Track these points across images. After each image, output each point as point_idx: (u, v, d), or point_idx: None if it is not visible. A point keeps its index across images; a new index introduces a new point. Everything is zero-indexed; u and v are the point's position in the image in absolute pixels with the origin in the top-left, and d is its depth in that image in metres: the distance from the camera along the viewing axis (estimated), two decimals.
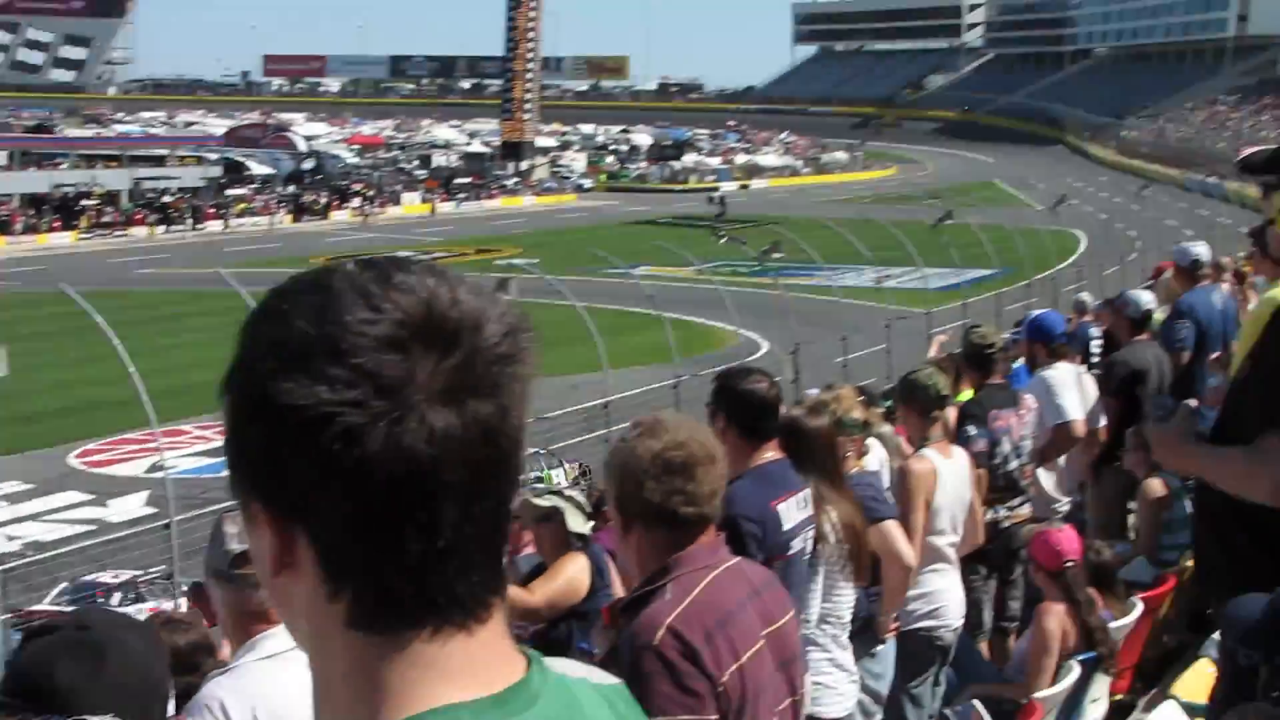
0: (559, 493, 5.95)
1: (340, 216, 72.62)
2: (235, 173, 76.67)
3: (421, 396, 0.99)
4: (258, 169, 78.73)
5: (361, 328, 0.99)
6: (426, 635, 1.02)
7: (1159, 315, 9.40)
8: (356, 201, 75.01)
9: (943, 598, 6.11)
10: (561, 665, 1.15)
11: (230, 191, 72.13)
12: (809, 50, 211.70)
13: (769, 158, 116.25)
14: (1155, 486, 7.39)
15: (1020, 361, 9.13)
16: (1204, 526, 3.64)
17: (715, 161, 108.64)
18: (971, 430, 6.87)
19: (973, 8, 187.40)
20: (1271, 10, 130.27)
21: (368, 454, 0.98)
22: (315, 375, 0.98)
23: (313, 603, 1.04)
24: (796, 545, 4.32)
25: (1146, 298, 9.14)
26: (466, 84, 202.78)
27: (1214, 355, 8.10)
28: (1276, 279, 4.39)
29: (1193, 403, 4.38)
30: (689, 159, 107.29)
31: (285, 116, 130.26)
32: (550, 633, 5.44)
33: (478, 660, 1.04)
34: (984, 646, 7.01)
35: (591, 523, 5.80)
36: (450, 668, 1.03)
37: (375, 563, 1.01)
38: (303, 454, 0.99)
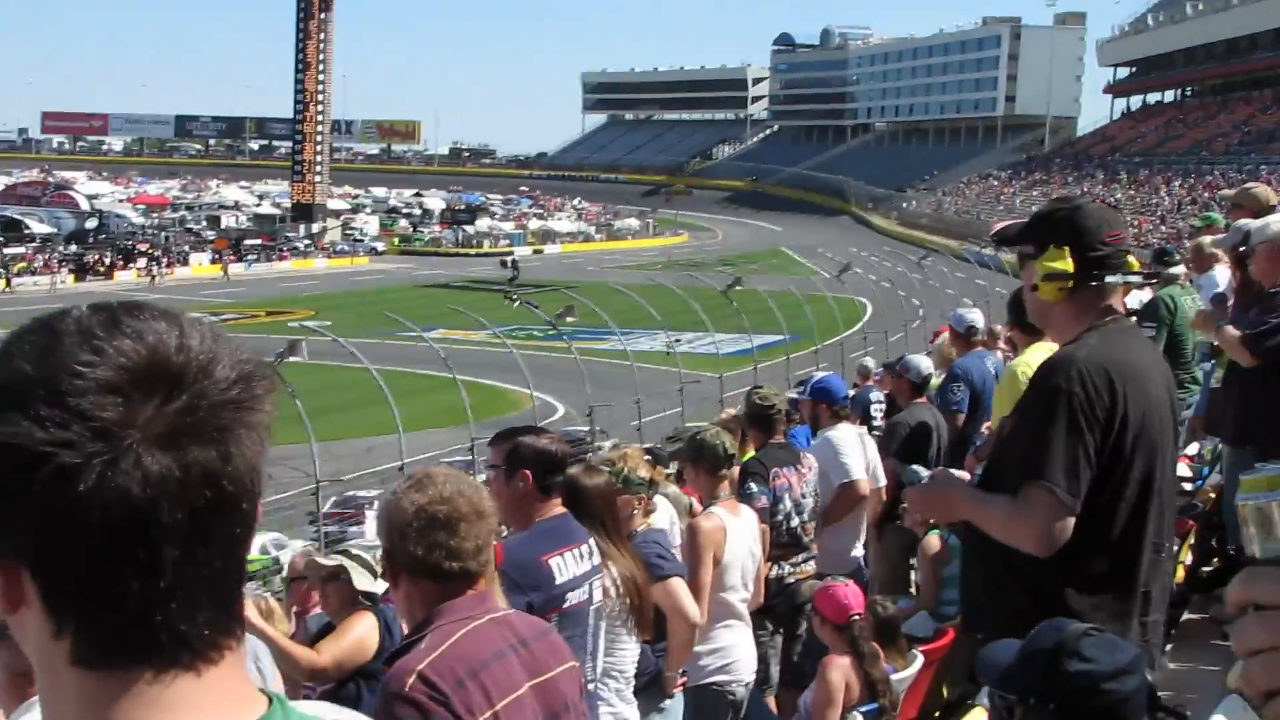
0: (345, 552, 5.91)
1: (126, 277, 70.58)
2: (14, 231, 74.00)
3: (138, 439, 1.00)
4: (38, 227, 76.12)
5: (82, 370, 1.01)
6: (151, 675, 1.03)
7: (937, 380, 9.74)
8: (142, 262, 73.08)
9: (734, 653, 6.22)
10: (314, 709, 1.16)
11: (9, 250, 69.56)
12: (599, 118, 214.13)
13: (562, 223, 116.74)
14: (933, 543, 7.64)
15: (799, 424, 9.36)
16: (972, 571, 3.80)
17: (509, 226, 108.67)
18: (753, 487, 6.99)
19: (756, 81, 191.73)
20: (1035, 93, 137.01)
21: (81, 495, 0.99)
22: (31, 415, 0.99)
23: (40, 639, 1.05)
24: (575, 597, 4.37)
25: (926, 363, 9.45)
26: (255, 145, 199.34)
27: (989, 423, 8.42)
28: (1028, 345, 4.61)
29: (956, 472, 4.62)
30: (482, 223, 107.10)
31: (66, 175, 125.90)
32: (339, 692, 5.38)
33: (206, 701, 1.05)
34: (771, 700, 7.13)
35: (383, 582, 5.75)
36: (176, 707, 1.04)
37: (95, 601, 1.02)
38: (18, 492, 1.00)
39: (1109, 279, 3.49)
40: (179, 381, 1.03)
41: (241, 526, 1.07)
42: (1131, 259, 3.60)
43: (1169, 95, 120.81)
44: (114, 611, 1.02)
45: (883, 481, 8.29)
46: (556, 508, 4.45)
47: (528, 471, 4.35)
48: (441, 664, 2.79)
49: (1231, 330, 6.13)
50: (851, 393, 10.41)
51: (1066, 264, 3.45)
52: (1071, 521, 3.29)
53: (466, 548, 2.95)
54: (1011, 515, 3.36)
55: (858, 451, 8.10)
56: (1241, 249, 6.85)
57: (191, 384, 1.03)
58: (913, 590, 8.33)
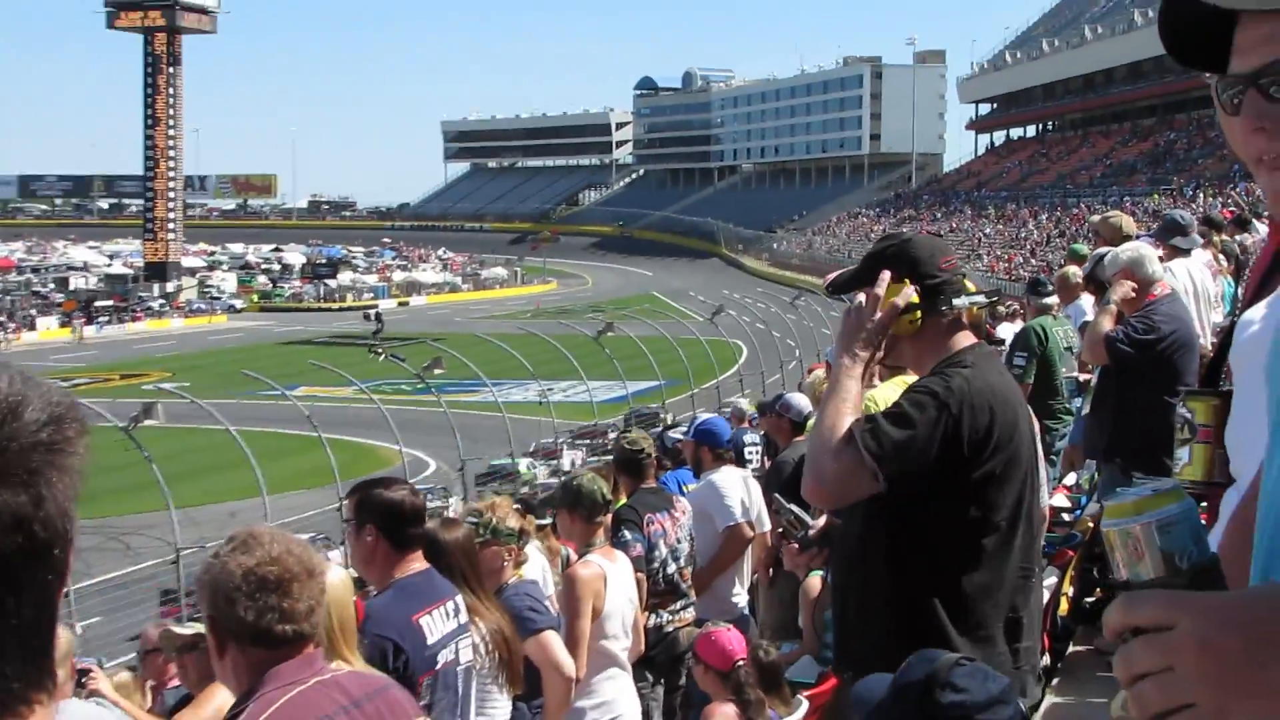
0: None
1: None
2: None
3: None
4: None
5: None
6: None
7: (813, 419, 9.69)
8: None
9: (618, 705, 6.08)
10: None
11: None
12: (462, 167, 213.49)
13: (427, 274, 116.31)
14: (814, 585, 7.50)
15: (672, 468, 9.26)
16: (842, 607, 3.76)
17: (372, 279, 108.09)
18: (627, 535, 6.87)
19: (620, 126, 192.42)
20: (899, 132, 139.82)
21: None
22: None
23: None
24: (445, 656, 4.23)
25: (806, 402, 9.39)
26: (104, 204, 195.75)
27: None
28: (889, 379, 4.69)
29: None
30: (345, 277, 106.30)
31: None
32: None
33: None
34: None
35: None
36: None
37: None
38: None
39: (955, 302, 3.54)
40: None
41: (53, 574, 1.04)
42: (968, 282, 3.66)
43: (1031, 130, 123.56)
44: None
45: (767, 526, 8.15)
46: (418, 563, 4.29)
47: (372, 525, 4.21)
48: None
49: (1106, 324, 6.31)
50: None
51: (911, 295, 3.48)
52: (861, 488, 3.29)
53: (299, 609, 2.80)
54: (831, 434, 3.31)
55: (741, 494, 7.98)
56: (1095, 276, 7.07)
57: (1, 427, 1.01)
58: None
